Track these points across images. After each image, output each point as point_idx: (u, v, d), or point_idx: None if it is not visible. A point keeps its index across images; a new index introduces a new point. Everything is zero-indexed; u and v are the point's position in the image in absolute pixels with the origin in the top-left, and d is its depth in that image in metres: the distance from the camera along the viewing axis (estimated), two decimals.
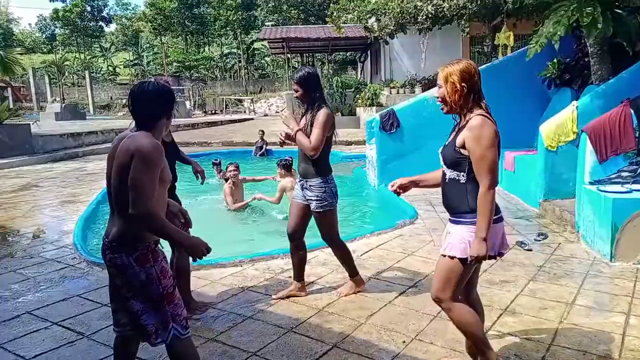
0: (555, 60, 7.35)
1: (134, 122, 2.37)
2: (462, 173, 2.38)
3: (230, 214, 7.16)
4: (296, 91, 3.58)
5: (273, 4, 37.23)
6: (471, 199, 2.36)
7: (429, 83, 16.30)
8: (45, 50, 62.02)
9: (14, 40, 59.65)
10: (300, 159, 3.67)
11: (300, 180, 3.71)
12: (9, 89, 17.72)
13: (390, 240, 5.23)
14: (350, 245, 4.94)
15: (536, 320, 3.32)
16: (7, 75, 13.31)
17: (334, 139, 3.65)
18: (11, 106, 14.45)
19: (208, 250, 2.24)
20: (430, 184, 2.75)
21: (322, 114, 3.47)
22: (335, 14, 15.19)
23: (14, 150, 12.49)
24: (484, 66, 8.48)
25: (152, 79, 2.41)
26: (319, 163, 3.58)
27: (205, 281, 4.17)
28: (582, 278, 4.04)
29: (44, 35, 67.81)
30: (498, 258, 2.57)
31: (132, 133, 2.27)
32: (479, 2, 11.60)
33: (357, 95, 18.61)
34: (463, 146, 2.33)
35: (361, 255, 4.74)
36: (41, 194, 8.34)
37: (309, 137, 3.49)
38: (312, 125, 3.49)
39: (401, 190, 2.78)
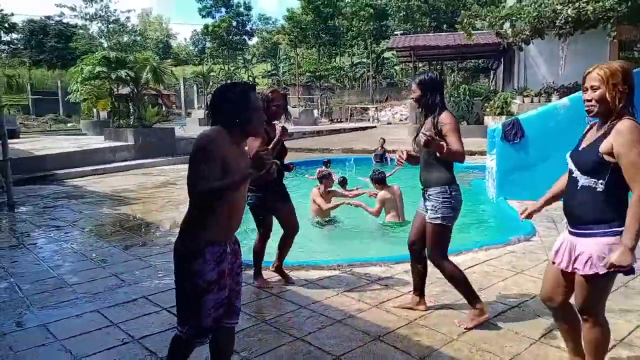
0: None
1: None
2: (600, 180, 2.24)
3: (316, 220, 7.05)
4: (413, 92, 3.47)
5: (404, 14, 37.11)
6: (608, 208, 2.23)
7: (568, 91, 14.98)
8: (196, 62, 68.60)
9: (171, 53, 66.96)
10: (422, 167, 3.50)
11: (422, 190, 3.54)
12: (160, 97, 19.98)
13: (500, 256, 4.92)
14: (455, 259, 4.73)
15: None
16: (158, 84, 14.93)
17: None
18: (162, 112, 16.19)
19: (262, 157, 2.28)
20: (560, 198, 2.60)
21: (448, 118, 3.29)
22: (466, 21, 14.71)
23: (160, 151, 13.98)
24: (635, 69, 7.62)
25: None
26: (439, 170, 3.35)
27: (302, 281, 4.30)
28: None
29: (196, 48, 75.01)
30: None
31: None
32: (629, 4, 10.44)
33: (486, 104, 17.79)
34: (608, 152, 2.20)
35: (465, 269, 4.48)
36: (176, 191, 9.23)
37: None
38: (437, 129, 3.29)
39: (530, 217, 2.77)
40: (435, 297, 3.92)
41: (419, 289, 3.68)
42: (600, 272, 2.23)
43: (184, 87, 37.09)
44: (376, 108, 32.14)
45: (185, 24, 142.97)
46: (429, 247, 3.47)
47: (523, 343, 3.12)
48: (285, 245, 4.28)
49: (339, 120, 32.49)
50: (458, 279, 3.45)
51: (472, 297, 3.42)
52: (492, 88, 22.54)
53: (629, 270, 2.23)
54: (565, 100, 7.45)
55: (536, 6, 12.14)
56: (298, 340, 3.25)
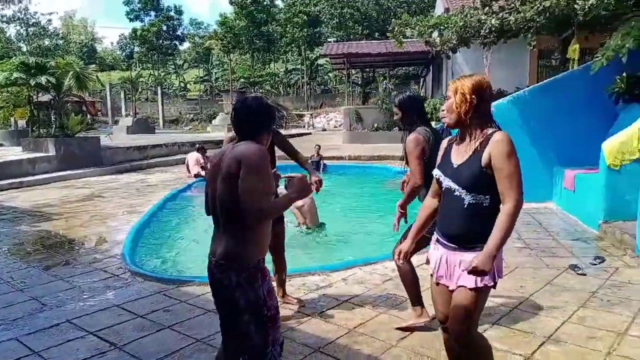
0: (624, 75, 6.87)
1: (230, 135, 2.39)
2: (486, 196, 2.17)
3: None
4: (395, 114, 3.52)
5: (338, 21, 37.66)
6: (494, 220, 2.12)
7: (493, 98, 15.78)
8: (123, 67, 66.06)
9: (97, 57, 64.08)
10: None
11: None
12: (84, 104, 18.99)
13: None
14: (391, 264, 4.85)
15: (582, 350, 3.06)
16: (81, 90, 14.19)
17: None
18: (87, 120, 15.38)
19: (307, 183, 2.35)
20: (429, 225, 2.52)
21: (408, 142, 3.31)
22: (397, 29, 15.10)
23: (84, 162, 13.26)
24: (545, 81, 8.11)
25: (251, 94, 2.44)
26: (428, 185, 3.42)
27: None
28: (638, 307, 3.69)
29: (123, 53, 72.25)
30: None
31: (237, 144, 2.25)
32: (547, 15, 11.12)
33: None
34: (488, 165, 2.13)
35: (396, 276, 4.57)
36: (102, 204, 8.78)
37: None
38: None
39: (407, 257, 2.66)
40: (373, 303, 3.93)
41: (413, 299, 3.54)
42: (489, 284, 2.18)
43: (111, 93, 35.60)
44: (311, 115, 32.32)
45: (112, 27, 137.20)
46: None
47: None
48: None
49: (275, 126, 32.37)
50: (410, 280, 3.45)
51: (416, 298, 3.46)
52: (422, 95, 23.29)
53: (493, 285, 2.21)
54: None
55: (462, 16, 12.66)
56: None
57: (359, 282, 4.43)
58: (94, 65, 15.83)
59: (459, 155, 2.25)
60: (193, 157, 12.26)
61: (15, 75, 12.94)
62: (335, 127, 30.23)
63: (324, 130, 29.13)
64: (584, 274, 4.40)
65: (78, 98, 16.45)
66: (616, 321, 3.45)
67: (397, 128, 18.89)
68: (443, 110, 2.31)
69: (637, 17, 5.62)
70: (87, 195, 9.81)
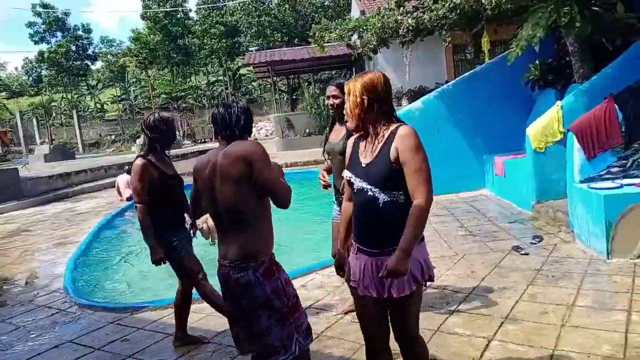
0: (537, 62, 7.37)
1: None
2: (400, 192, 2.07)
3: None
4: (334, 97, 3.42)
5: (256, 29, 37.57)
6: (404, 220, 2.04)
7: (415, 95, 16.38)
8: (32, 92, 62.11)
9: (1, 84, 59.85)
10: (336, 176, 3.55)
11: (339, 197, 3.53)
12: None
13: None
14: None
15: (538, 325, 3.25)
16: None
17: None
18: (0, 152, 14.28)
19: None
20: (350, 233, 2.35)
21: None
22: (317, 34, 15.33)
23: (2, 195, 12.33)
24: (466, 74, 8.53)
25: (220, 104, 2.37)
26: None
27: (200, 314, 4.06)
28: (580, 278, 3.98)
29: (30, 78, 68.00)
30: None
31: (226, 148, 2.24)
32: (458, 12, 11.72)
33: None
34: (397, 160, 2.06)
35: None
36: (31, 238, 8.22)
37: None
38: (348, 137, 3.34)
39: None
40: (336, 306, 3.96)
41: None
42: (421, 281, 2.12)
43: (22, 121, 33.34)
44: None
45: (14, 52, 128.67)
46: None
47: (425, 335, 3.27)
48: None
49: (203, 140, 31.71)
50: None
51: None
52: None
53: (429, 279, 2.17)
54: (418, 103, 8.11)
55: (380, 18, 13.07)
56: None
57: (319, 286, 4.45)
58: (3, 93, 14.73)
59: (367, 153, 2.16)
60: (123, 179, 11.74)
61: None
62: (267, 135, 30.10)
63: (256, 139, 28.88)
64: (527, 254, 4.68)
65: None
66: (563, 294, 3.70)
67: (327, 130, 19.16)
68: (332, 106, 2.32)
69: (542, 8, 6.04)
70: (13, 231, 9.12)
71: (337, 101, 3.45)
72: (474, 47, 13.76)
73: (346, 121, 3.35)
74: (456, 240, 5.36)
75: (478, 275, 4.29)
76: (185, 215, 3.52)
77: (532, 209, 6.00)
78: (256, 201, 2.21)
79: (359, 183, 2.14)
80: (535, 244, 4.93)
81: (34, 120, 35.12)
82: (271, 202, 2.27)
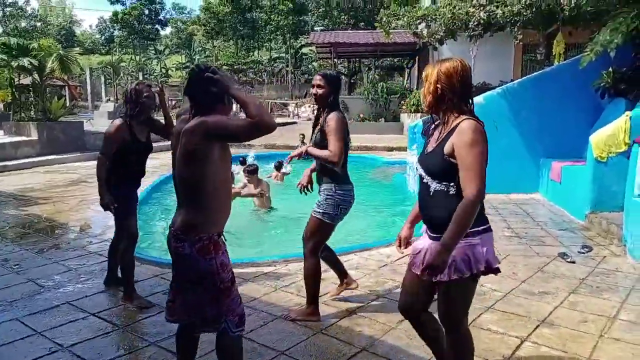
0: (610, 70, 7.04)
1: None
2: (451, 184, 2.12)
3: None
4: (319, 87, 3.34)
5: (324, 9, 37.43)
6: None
7: (477, 91, 15.92)
8: (103, 51, 64.76)
9: (75, 41, 62.67)
10: (317, 165, 3.50)
11: (319, 189, 3.51)
12: (66, 88, 18.55)
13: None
14: (385, 250, 4.97)
15: (575, 333, 3.19)
16: (65, 74, 13.90)
17: (350, 145, 3.40)
18: (67, 104, 15.07)
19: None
20: None
21: (332, 119, 3.24)
22: (384, 19, 15.15)
23: (68, 147, 13.04)
24: (535, 74, 8.25)
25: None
26: (331, 169, 3.32)
27: (239, 279, 4.21)
28: (627, 292, 3.86)
29: (103, 37, 70.86)
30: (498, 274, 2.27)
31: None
32: (534, 9, 11.28)
33: (402, 102, 18.47)
34: (452, 154, 2.10)
35: (396, 260, 4.68)
36: (89, 189, 8.67)
37: (320, 146, 3.28)
38: (321, 131, 3.30)
39: (409, 244, 2.53)
40: (370, 287, 4.02)
41: (342, 274, 3.80)
42: (465, 275, 2.12)
43: (91, 78, 34.88)
44: (296, 104, 32.20)
45: (90, 9, 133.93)
46: (307, 240, 3.43)
47: None
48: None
49: None
50: (312, 277, 3.44)
51: (313, 298, 3.47)
52: (407, 86, 23.41)
53: (494, 270, 2.18)
54: (480, 98, 7.92)
55: (450, 8, 12.77)
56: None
57: (355, 267, 4.50)
58: (78, 48, 15.50)
59: (433, 141, 2.23)
60: None
61: None
62: None
63: (309, 119, 29.07)
64: (573, 262, 4.56)
65: (62, 81, 16.08)
66: (606, 306, 3.60)
67: (383, 119, 19.02)
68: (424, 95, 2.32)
69: (625, 13, 5.76)
70: (73, 180, 9.68)
71: (320, 91, 3.35)
72: (546, 48, 13.21)
73: (332, 111, 3.33)
74: (501, 240, 5.27)
75: (519, 276, 4.23)
76: None
77: (585, 218, 5.80)
78: (203, 176, 2.18)
79: (419, 170, 2.24)
80: (584, 253, 4.79)
81: (102, 78, 36.68)
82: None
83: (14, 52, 12.82)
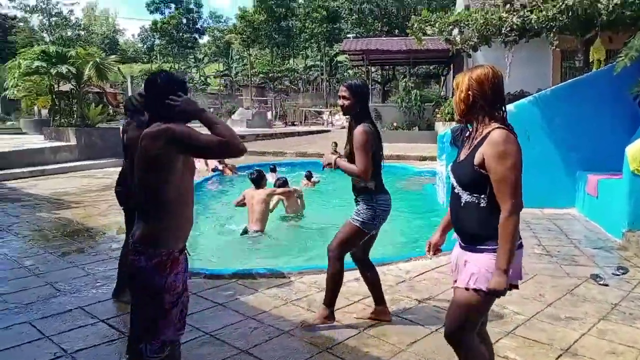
0: None
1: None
2: (482, 195, 2.08)
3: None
4: (344, 98, 3.31)
5: (357, 17, 37.39)
6: (495, 223, 2.04)
7: (514, 99, 15.46)
8: (145, 60, 66.63)
9: (118, 49, 64.76)
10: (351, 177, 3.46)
11: (354, 197, 3.48)
12: (104, 95, 19.14)
13: (450, 262, 4.93)
14: (405, 265, 4.79)
15: None
16: (101, 81, 14.30)
17: (382, 155, 3.39)
18: (107, 110, 15.51)
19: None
20: None
21: (358, 134, 3.19)
22: (416, 26, 14.91)
23: (105, 152, 13.37)
24: (569, 81, 7.91)
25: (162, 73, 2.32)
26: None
27: (250, 290, 4.14)
28: None
29: (144, 45, 72.86)
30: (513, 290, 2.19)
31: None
32: (570, 14, 10.86)
33: (436, 110, 18.16)
34: (482, 165, 2.04)
35: (415, 276, 4.50)
36: None
37: (350, 159, 3.29)
38: (351, 143, 3.28)
39: (439, 251, 2.55)
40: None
41: (378, 300, 3.57)
42: (484, 288, 2.06)
43: (132, 85, 35.91)
44: (330, 112, 32.18)
45: (133, 19, 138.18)
46: (336, 243, 3.37)
47: None
48: None
49: (293, 123, 32.33)
50: (334, 282, 3.42)
51: (330, 301, 3.44)
52: (442, 94, 23.03)
53: (512, 287, 2.13)
54: (511, 106, 7.62)
55: (483, 14, 12.45)
56: (243, 352, 3.12)
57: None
58: (114, 56, 15.92)
59: (465, 150, 2.19)
60: None
61: (36, 63, 13.09)
62: None
63: (344, 127, 28.97)
64: (606, 285, 4.26)
65: (98, 88, 16.56)
66: (639, 336, 3.32)
67: (416, 128, 18.73)
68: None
69: None
70: (107, 185, 9.86)
71: (346, 102, 3.30)
72: (584, 54, 12.71)
73: (360, 122, 3.29)
74: (530, 258, 4.99)
75: (546, 299, 3.97)
76: None
77: (622, 236, 5.46)
78: (165, 184, 2.09)
79: (451, 179, 2.22)
80: (619, 275, 4.48)
81: (143, 86, 37.69)
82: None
83: (53, 60, 13.27)
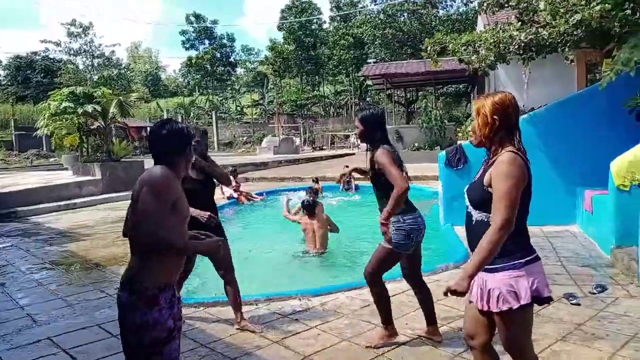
0: None
1: None
2: (490, 214, 2.16)
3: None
4: (357, 128, 3.59)
5: (380, 41, 37.62)
6: (507, 241, 2.10)
7: None
8: (186, 93, 68.99)
9: (161, 85, 67.41)
10: (377, 197, 3.59)
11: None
12: (127, 130, 20.03)
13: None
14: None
15: None
16: (124, 117, 14.97)
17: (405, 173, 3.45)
18: (134, 144, 16.16)
19: (218, 244, 2.33)
20: None
21: (380, 155, 3.34)
22: (430, 48, 14.92)
23: (129, 185, 13.83)
24: (563, 98, 7.75)
25: (177, 121, 2.47)
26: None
27: (214, 317, 4.22)
28: (625, 341, 3.39)
29: (185, 80, 75.55)
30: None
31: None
32: (584, 28, 10.63)
33: (458, 128, 17.96)
34: (490, 184, 2.16)
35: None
36: None
37: (375, 182, 3.50)
38: (372, 166, 3.45)
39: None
40: (340, 331, 3.84)
41: (428, 317, 3.64)
42: (514, 307, 2.13)
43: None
44: (356, 135, 32.30)
45: (174, 57, 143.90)
46: (372, 268, 3.49)
47: None
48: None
49: (321, 147, 32.61)
50: (382, 300, 3.56)
51: (386, 320, 3.54)
52: (468, 112, 22.81)
53: (545, 299, 2.19)
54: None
55: (493, 33, 12.35)
56: None
57: (337, 307, 4.34)
58: (135, 94, 16.67)
59: (480, 172, 2.30)
60: None
61: (64, 104, 13.87)
62: None
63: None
64: (578, 304, 4.11)
65: (122, 124, 17.31)
66: (592, 357, 3.19)
67: (439, 147, 18.53)
68: (470, 132, 2.32)
69: None
70: (122, 217, 10.20)
71: (359, 131, 3.57)
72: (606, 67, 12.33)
73: (372, 149, 3.44)
74: None
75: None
76: None
77: (610, 253, 5.24)
78: (151, 233, 2.11)
79: (466, 199, 2.32)
80: (595, 294, 4.31)
81: (179, 119, 39.09)
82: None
83: (80, 100, 14.02)
